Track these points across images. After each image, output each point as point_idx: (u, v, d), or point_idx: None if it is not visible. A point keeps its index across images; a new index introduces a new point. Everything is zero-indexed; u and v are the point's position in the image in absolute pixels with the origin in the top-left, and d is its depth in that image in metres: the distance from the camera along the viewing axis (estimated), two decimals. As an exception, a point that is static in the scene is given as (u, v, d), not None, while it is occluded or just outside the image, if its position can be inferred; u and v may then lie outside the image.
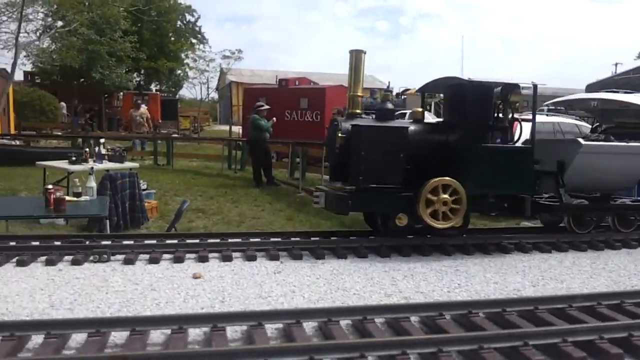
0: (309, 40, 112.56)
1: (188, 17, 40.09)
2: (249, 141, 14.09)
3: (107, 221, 6.79)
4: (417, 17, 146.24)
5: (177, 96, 42.23)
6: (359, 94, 6.31)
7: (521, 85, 6.70)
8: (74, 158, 9.55)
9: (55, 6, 21.61)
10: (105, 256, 5.41)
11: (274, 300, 4.45)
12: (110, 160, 10.00)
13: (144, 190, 9.10)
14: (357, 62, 6.28)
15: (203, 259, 5.54)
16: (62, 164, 9.54)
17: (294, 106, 17.66)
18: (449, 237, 6.32)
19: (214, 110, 51.03)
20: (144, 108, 21.76)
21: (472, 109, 6.22)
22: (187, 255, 5.65)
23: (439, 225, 6.01)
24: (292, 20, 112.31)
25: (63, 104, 31.90)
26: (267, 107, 13.57)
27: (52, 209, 6.36)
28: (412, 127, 6.31)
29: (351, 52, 6.31)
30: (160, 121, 29.22)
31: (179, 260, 5.49)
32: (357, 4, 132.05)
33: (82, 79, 30.88)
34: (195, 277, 4.96)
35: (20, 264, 5.25)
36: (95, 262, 5.36)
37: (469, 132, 6.19)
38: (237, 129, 24.94)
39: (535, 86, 6.27)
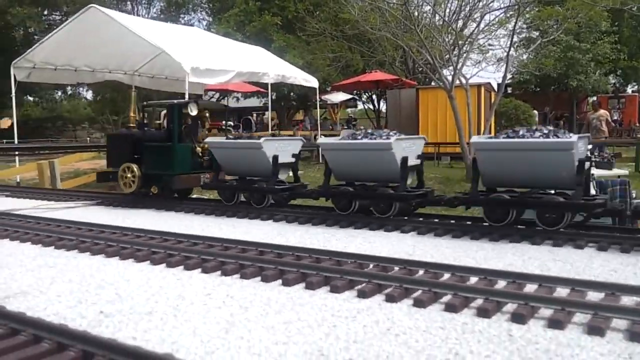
0: None
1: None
2: None
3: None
4: None
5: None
6: (131, 115, 10.39)
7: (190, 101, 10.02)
8: None
9: (530, 19, 22.44)
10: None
11: None
12: (597, 167, 9.84)
13: (634, 199, 8.46)
14: (129, 97, 10.67)
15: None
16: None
17: None
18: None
19: None
20: (603, 110, 20.17)
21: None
22: None
23: (127, 190, 9.71)
24: None
25: (535, 112, 32.84)
26: None
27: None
28: (136, 133, 9.94)
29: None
30: (637, 124, 26.82)
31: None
32: None
33: (555, 86, 31.11)
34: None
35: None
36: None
37: (146, 135, 9.91)
38: None
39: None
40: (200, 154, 9.69)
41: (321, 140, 9.08)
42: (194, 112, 9.71)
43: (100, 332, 3.75)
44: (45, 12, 25.16)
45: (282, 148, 8.70)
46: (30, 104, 34.87)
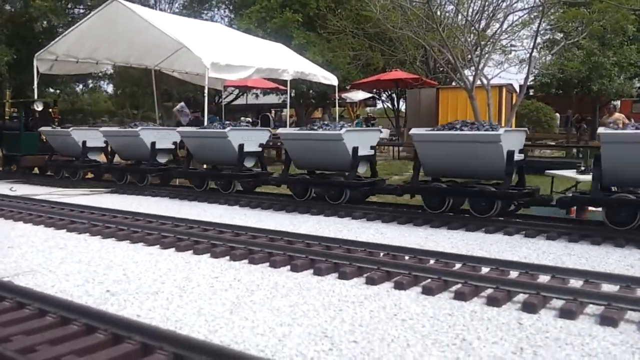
0: None
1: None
2: None
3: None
4: None
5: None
6: (6, 109, 13.25)
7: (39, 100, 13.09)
8: (582, 168, 9.49)
9: (555, 20, 22.06)
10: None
11: None
12: None
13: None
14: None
15: None
16: (571, 173, 9.64)
17: None
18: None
19: None
20: (618, 114, 19.78)
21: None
22: None
23: None
24: None
25: (557, 114, 32.25)
26: None
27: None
28: (1, 123, 13.04)
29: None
30: None
31: None
32: None
33: (577, 90, 30.62)
34: None
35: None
36: None
37: (6, 124, 12.82)
38: None
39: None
40: (45, 140, 12.00)
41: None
42: (39, 107, 12.55)
43: (105, 309, 3.74)
44: (69, 6, 25.39)
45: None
46: (52, 96, 35.40)
